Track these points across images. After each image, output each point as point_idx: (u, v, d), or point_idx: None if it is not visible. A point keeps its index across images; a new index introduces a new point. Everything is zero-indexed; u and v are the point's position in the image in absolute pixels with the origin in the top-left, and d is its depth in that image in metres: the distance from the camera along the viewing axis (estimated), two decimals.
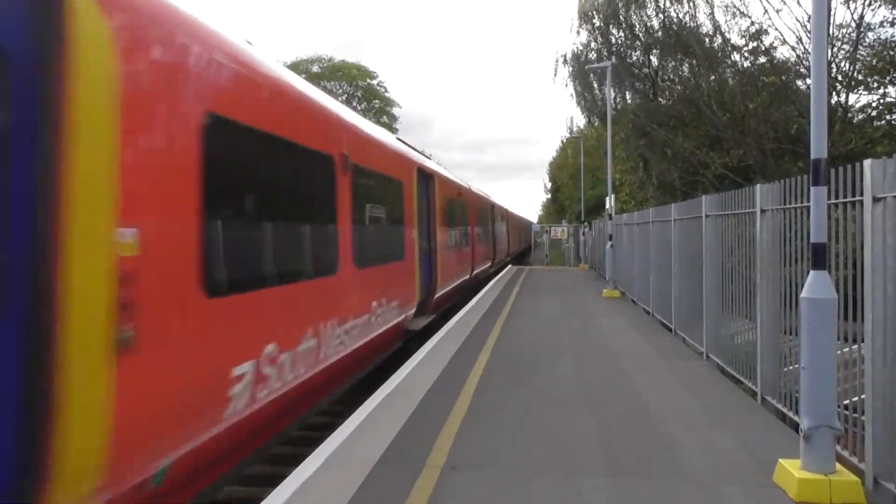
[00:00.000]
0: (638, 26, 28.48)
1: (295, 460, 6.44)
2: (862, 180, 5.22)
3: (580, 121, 35.76)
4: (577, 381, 8.71)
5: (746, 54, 22.77)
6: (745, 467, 5.60)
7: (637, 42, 28.92)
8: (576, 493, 5.08)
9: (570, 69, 32.59)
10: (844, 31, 20.03)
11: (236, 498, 6.77)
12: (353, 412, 7.27)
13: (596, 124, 33.84)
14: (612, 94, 26.60)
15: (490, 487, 5.19)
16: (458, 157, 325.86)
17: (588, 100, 33.24)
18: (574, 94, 33.54)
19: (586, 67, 29.69)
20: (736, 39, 23.99)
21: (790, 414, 6.76)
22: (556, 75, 36.61)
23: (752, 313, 7.90)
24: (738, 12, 22.88)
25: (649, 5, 27.39)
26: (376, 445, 6.12)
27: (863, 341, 5.23)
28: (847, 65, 20.15)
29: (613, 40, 29.47)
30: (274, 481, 5.74)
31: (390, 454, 5.93)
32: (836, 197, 5.63)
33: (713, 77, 24.26)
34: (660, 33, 26.94)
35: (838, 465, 5.05)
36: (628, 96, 30.30)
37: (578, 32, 30.71)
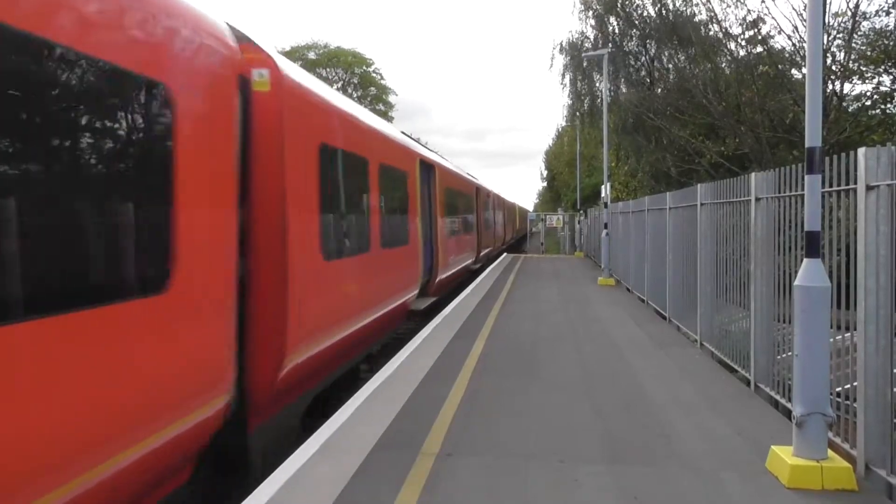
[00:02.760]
0: (635, 15, 28.41)
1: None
2: (856, 169, 5.24)
3: (577, 111, 35.67)
4: (573, 368, 8.75)
5: (743, 43, 22.75)
6: (738, 454, 5.65)
7: (634, 31, 28.86)
8: (573, 479, 5.12)
9: (568, 59, 32.54)
10: (840, 19, 20.01)
11: (231, 484, 6.79)
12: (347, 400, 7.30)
13: (591, 113, 33.79)
14: (608, 85, 26.55)
15: (486, 474, 5.22)
16: (458, 145, 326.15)
17: (583, 90, 33.17)
18: (569, 84, 33.48)
19: (582, 55, 29.64)
20: (732, 28, 23.98)
21: (783, 401, 6.80)
22: (552, 65, 36.52)
23: (746, 301, 7.94)
24: (735, 1, 22.84)
25: None
26: (372, 432, 6.15)
27: (855, 329, 5.27)
28: (842, 54, 20.14)
29: (611, 29, 29.42)
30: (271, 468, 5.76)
31: (386, 441, 5.96)
32: (831, 185, 5.65)
33: (709, 66, 24.23)
34: (657, 21, 26.88)
35: (830, 452, 5.09)
36: (623, 87, 30.24)
37: (583, 19, 30.70)
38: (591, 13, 29.94)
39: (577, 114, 34.75)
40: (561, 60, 33.18)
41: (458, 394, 7.49)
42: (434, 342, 10.52)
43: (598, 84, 31.01)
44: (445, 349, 9.96)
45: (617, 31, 29.47)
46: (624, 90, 30.09)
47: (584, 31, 31.34)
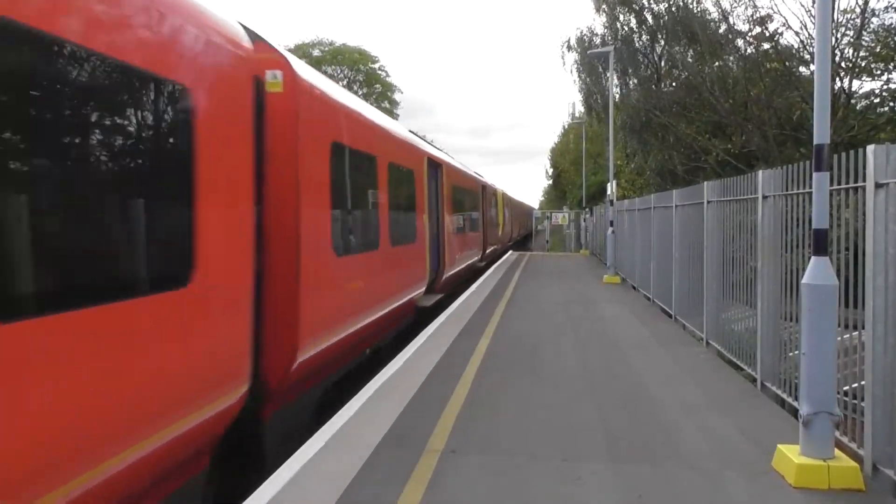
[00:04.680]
0: (647, 9, 28.37)
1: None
2: (864, 166, 5.20)
3: (583, 107, 35.74)
4: (577, 367, 8.73)
5: (751, 40, 22.62)
6: (744, 453, 5.62)
7: (643, 28, 28.79)
8: (576, 477, 5.10)
9: (576, 56, 32.56)
10: (848, 16, 19.88)
11: (236, 481, 6.79)
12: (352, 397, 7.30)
13: (599, 110, 33.72)
14: (617, 83, 26.49)
15: (490, 472, 5.21)
16: (462, 142, 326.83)
17: (591, 86, 33.16)
18: (577, 80, 33.51)
19: (589, 52, 29.59)
20: (740, 25, 23.86)
21: (790, 400, 6.77)
22: (564, 62, 36.50)
23: (753, 300, 7.90)
24: None
25: None
26: (377, 430, 6.14)
27: (863, 328, 5.23)
28: (851, 51, 20.02)
29: (620, 26, 29.36)
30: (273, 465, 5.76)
31: (390, 438, 5.95)
32: (839, 183, 5.61)
33: (717, 63, 24.12)
34: (666, 18, 26.80)
35: (837, 451, 5.06)
36: (631, 84, 30.17)
37: (598, 9, 30.65)
38: (602, 7, 29.87)
39: (589, 109, 34.78)
40: (569, 58, 33.26)
41: (463, 391, 7.48)
42: (440, 339, 10.51)
43: (606, 81, 30.97)
44: (451, 347, 9.95)
45: (627, 28, 29.40)
46: (633, 87, 30.02)
47: (594, 27, 31.37)
